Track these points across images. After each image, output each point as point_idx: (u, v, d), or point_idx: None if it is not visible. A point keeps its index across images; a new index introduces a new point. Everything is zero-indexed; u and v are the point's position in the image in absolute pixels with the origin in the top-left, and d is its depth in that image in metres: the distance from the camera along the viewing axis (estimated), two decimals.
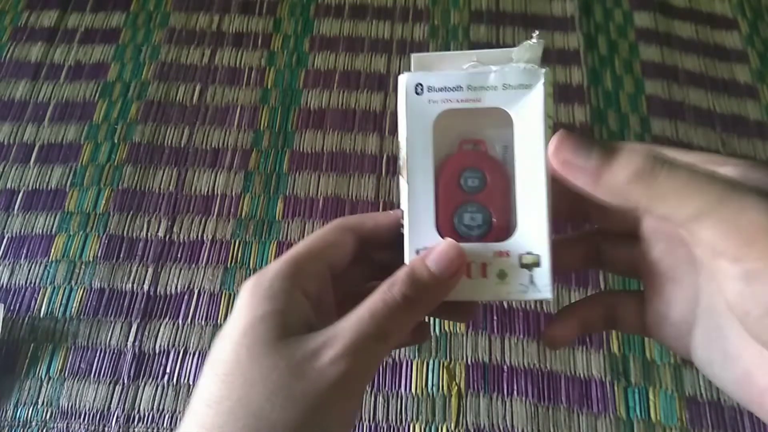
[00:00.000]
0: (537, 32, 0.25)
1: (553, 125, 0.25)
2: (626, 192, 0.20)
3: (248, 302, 0.22)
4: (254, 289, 0.23)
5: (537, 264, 0.25)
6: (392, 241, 0.26)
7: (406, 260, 0.25)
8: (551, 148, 0.22)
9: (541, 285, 0.25)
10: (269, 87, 0.62)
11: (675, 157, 0.20)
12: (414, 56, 0.26)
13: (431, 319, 0.26)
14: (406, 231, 0.25)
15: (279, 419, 0.20)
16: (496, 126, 0.26)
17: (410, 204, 0.25)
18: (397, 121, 0.26)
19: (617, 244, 0.26)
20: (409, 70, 0.26)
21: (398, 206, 0.26)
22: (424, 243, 0.25)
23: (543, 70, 0.24)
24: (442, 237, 0.25)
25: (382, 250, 0.27)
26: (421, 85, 0.25)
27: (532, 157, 0.24)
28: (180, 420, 0.22)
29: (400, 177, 0.26)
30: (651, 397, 0.48)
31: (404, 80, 0.25)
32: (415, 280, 0.23)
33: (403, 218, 0.26)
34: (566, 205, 0.25)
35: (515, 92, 0.24)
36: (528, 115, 0.24)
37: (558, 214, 0.25)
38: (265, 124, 0.60)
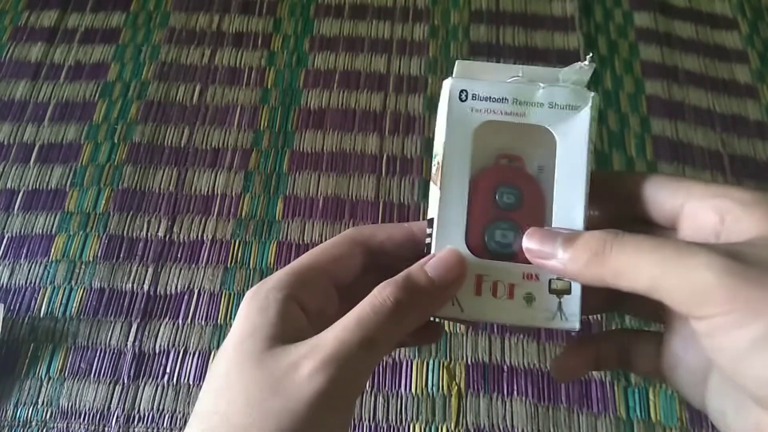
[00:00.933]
0: (591, 54, 0.25)
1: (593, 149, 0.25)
2: (589, 274, 0.21)
3: (244, 314, 0.22)
4: (250, 301, 0.22)
5: (567, 291, 0.24)
6: (405, 253, 0.25)
7: None
8: (523, 244, 0.23)
9: (569, 314, 0.24)
10: (269, 87, 0.62)
11: (634, 231, 0.21)
12: (458, 62, 0.25)
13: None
14: (433, 240, 0.24)
15: None
16: (534, 144, 0.25)
17: (441, 212, 0.24)
18: (436, 126, 0.25)
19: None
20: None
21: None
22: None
23: (592, 94, 0.24)
24: (471, 251, 0.24)
25: (395, 262, 0.26)
26: (465, 91, 0.24)
27: (573, 180, 0.24)
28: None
29: (432, 183, 0.25)
30: (651, 397, 0.48)
31: (449, 85, 0.25)
32: (410, 285, 0.22)
33: (430, 227, 0.25)
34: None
35: (561, 112, 0.24)
36: (572, 137, 0.24)
37: None
38: (265, 124, 0.60)
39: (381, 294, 0.21)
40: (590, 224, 0.24)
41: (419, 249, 0.25)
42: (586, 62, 0.24)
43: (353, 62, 0.64)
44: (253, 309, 0.22)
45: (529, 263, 0.24)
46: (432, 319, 0.25)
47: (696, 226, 0.22)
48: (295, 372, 0.20)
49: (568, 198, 0.24)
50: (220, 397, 0.21)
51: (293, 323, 0.22)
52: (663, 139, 0.60)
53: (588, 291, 0.24)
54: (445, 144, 0.24)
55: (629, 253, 0.20)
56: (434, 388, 0.48)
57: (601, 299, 0.26)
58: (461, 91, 0.24)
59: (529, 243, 0.23)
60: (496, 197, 0.25)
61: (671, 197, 0.23)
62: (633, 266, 0.20)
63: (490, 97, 0.24)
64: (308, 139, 0.59)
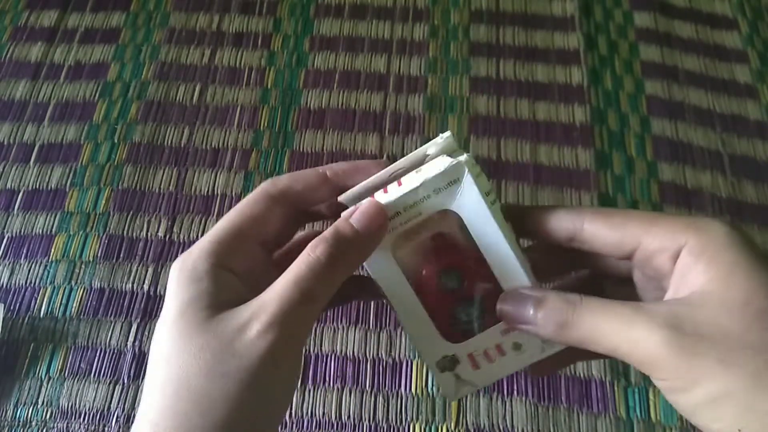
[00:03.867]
0: (448, 132, 0.25)
1: (496, 197, 0.25)
2: (559, 340, 0.23)
3: (175, 287, 0.23)
4: (180, 274, 0.23)
5: None
6: (323, 197, 0.26)
7: (440, 383, 0.27)
8: (498, 308, 0.25)
9: None
10: (269, 87, 0.62)
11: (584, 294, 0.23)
12: (340, 199, 0.26)
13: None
14: (420, 353, 0.27)
15: (218, 396, 0.21)
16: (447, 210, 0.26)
17: (410, 331, 0.26)
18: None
19: (617, 284, 0.27)
20: None
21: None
22: (440, 354, 0.26)
23: (463, 159, 0.24)
24: (453, 342, 0.26)
25: (314, 206, 0.27)
26: None
27: (491, 237, 0.25)
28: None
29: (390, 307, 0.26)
30: (651, 397, 0.48)
31: None
32: (340, 239, 0.23)
33: (410, 340, 0.27)
34: (556, 265, 0.27)
35: (448, 191, 0.24)
36: (470, 206, 0.24)
37: (550, 273, 0.27)
38: (265, 124, 0.60)
39: (314, 251, 0.23)
40: (543, 254, 0.26)
41: (336, 191, 0.26)
42: (441, 138, 0.25)
43: (353, 62, 0.64)
44: (184, 281, 0.23)
45: (499, 322, 0.25)
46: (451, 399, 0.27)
47: (651, 271, 0.24)
48: (245, 333, 0.21)
49: (498, 253, 0.25)
50: (171, 365, 0.22)
51: (228, 289, 0.23)
52: (663, 139, 0.60)
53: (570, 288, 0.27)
54: (377, 280, 0.26)
55: (586, 328, 0.22)
56: (434, 388, 0.48)
57: (619, 256, 0.28)
58: None
59: (503, 307, 0.25)
60: (442, 287, 0.26)
61: (623, 241, 0.23)
62: (592, 338, 0.22)
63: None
64: (308, 139, 0.59)
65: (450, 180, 0.24)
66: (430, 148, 0.25)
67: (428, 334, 0.26)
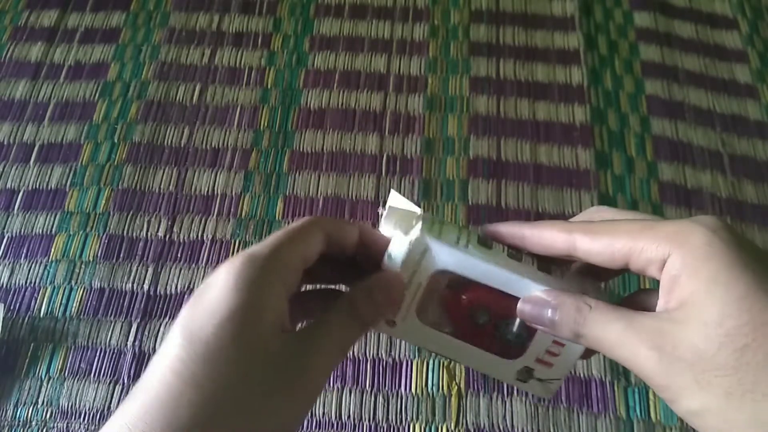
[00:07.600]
0: (387, 210, 0.27)
1: (467, 228, 0.27)
2: (576, 343, 0.25)
3: (259, 296, 0.22)
4: (263, 285, 0.23)
5: None
6: (351, 248, 0.27)
7: (529, 390, 0.28)
8: (518, 309, 0.26)
9: None
10: (269, 87, 0.62)
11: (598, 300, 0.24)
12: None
13: None
14: (497, 379, 0.29)
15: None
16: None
17: (479, 368, 0.28)
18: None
19: None
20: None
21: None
22: (513, 372, 0.28)
23: (417, 234, 0.25)
24: (515, 358, 0.28)
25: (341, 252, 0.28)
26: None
27: (484, 273, 0.26)
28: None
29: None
30: (651, 397, 0.48)
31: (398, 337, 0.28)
32: (379, 312, 0.26)
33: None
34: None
35: (425, 258, 0.26)
36: (447, 259, 0.26)
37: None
38: (265, 124, 0.60)
39: (363, 323, 0.26)
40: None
41: (362, 245, 0.27)
42: (386, 216, 0.27)
43: (353, 62, 0.64)
44: (268, 294, 0.23)
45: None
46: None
47: (650, 278, 0.24)
48: (309, 358, 0.24)
49: (503, 282, 0.26)
50: (278, 371, 0.23)
51: (282, 307, 0.24)
52: (663, 139, 0.60)
53: (598, 269, 0.28)
54: (418, 345, 0.29)
55: (592, 338, 0.24)
56: (434, 388, 0.48)
57: (618, 268, 0.29)
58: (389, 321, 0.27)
59: (523, 310, 0.26)
60: (477, 324, 0.28)
61: (614, 257, 0.24)
62: (598, 347, 0.24)
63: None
64: (308, 139, 0.59)
65: (420, 251, 0.25)
66: (385, 227, 0.27)
67: (493, 363, 0.28)
